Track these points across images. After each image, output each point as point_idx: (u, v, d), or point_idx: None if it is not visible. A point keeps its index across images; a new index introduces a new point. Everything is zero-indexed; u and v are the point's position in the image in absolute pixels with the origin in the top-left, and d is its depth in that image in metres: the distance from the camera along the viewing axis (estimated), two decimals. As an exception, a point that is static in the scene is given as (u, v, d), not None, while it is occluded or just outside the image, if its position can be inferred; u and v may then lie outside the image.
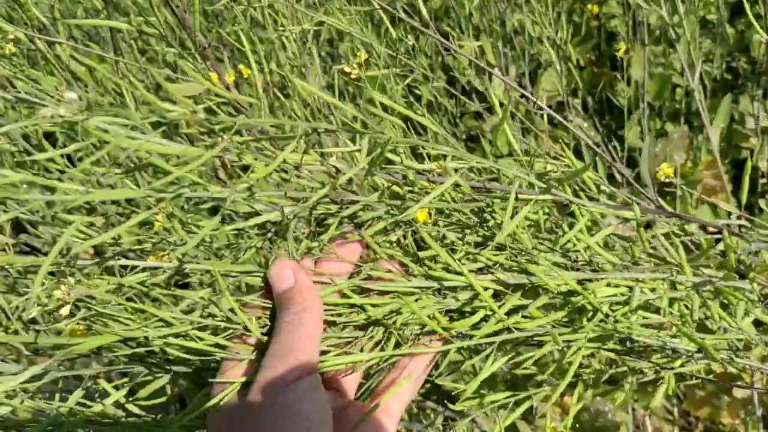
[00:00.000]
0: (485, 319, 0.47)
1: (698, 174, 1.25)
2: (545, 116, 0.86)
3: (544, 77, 1.24)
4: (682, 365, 0.54)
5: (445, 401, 0.98)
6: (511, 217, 0.48)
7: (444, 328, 0.45)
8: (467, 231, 0.51)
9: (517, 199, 0.52)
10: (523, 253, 0.50)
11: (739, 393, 1.00)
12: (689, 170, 1.26)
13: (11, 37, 0.55)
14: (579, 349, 0.46)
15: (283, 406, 0.40)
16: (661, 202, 0.64)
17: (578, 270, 0.51)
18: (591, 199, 0.57)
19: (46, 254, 1.19)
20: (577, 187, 0.58)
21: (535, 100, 0.65)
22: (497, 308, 0.46)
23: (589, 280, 0.51)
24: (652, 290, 0.52)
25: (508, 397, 0.55)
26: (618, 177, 1.22)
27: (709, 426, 1.42)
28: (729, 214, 0.63)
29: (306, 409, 0.40)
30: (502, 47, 1.18)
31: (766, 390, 0.77)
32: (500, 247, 0.50)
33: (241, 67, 0.81)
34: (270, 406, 0.40)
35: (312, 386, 0.41)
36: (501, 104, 1.24)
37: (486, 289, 0.47)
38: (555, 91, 1.31)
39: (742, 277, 0.54)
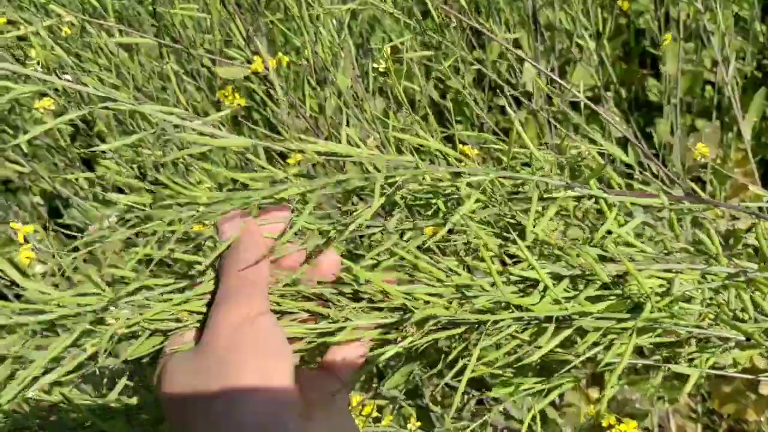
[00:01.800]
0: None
1: (728, 170, 1.25)
2: (582, 107, 0.87)
3: (576, 71, 1.25)
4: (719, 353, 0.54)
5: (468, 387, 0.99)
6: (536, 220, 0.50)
7: (515, 306, 0.46)
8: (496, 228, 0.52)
9: (543, 198, 0.53)
10: (554, 248, 0.50)
11: (765, 390, 1.00)
12: (719, 167, 1.26)
13: (66, 20, 0.57)
14: (628, 340, 0.47)
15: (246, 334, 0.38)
16: (696, 189, 0.64)
17: (615, 262, 0.52)
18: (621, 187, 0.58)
19: (79, 232, 1.20)
20: (610, 176, 0.59)
21: (574, 83, 0.66)
22: (553, 286, 0.46)
23: (626, 273, 0.51)
24: (687, 281, 0.52)
25: (538, 383, 0.55)
26: (647, 172, 1.22)
27: (733, 425, 1.42)
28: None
29: (266, 347, 0.38)
30: (533, 41, 1.19)
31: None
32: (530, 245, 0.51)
33: (279, 54, 0.82)
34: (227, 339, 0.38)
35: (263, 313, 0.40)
36: (530, 96, 1.25)
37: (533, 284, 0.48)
38: (585, 86, 1.31)
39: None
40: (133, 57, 0.79)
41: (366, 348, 0.46)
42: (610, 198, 0.54)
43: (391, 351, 0.45)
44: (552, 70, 1.24)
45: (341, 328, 0.45)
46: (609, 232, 0.52)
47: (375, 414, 0.61)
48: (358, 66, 1.13)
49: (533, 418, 0.56)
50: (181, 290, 0.44)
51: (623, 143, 1.21)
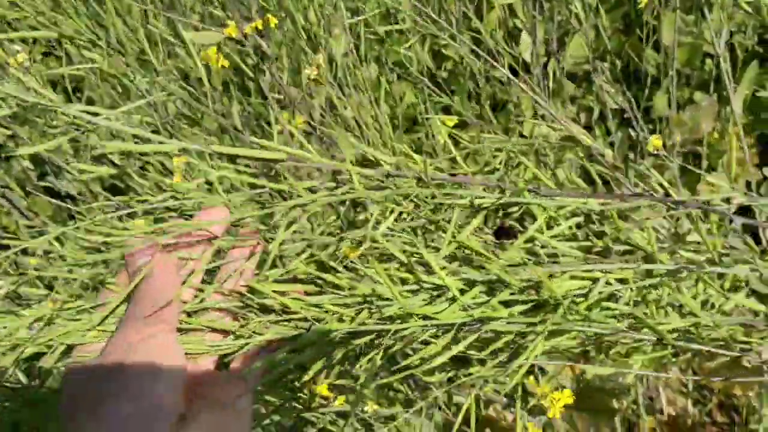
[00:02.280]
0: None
1: (724, 145, 1.23)
2: (579, 78, 0.86)
3: (572, 42, 1.23)
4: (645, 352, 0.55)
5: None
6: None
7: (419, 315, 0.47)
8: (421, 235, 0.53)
9: (473, 204, 0.54)
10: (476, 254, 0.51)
11: (748, 363, 0.99)
12: (716, 141, 1.24)
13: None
14: (534, 348, 0.47)
15: (136, 352, 0.42)
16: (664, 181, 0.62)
17: (541, 264, 0.52)
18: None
19: (66, 196, 1.20)
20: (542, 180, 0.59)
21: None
22: (459, 294, 0.47)
23: (551, 275, 0.51)
24: (623, 281, 0.52)
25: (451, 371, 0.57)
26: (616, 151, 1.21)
27: (723, 400, 1.42)
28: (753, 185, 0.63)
29: (160, 355, 0.42)
30: (531, 8, 1.17)
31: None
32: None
33: (268, 15, 0.81)
34: (122, 354, 0.42)
35: (166, 340, 0.43)
36: (527, 66, 1.23)
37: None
38: (583, 58, 1.29)
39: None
40: (119, 15, 0.77)
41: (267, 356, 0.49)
42: (540, 203, 0.54)
43: (294, 360, 0.48)
44: (549, 39, 1.22)
45: (247, 343, 0.47)
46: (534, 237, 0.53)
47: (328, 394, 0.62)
48: (351, 33, 1.11)
49: (514, 394, 0.57)
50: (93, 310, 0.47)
51: (620, 115, 1.20)
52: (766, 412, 1.10)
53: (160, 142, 0.46)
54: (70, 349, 0.45)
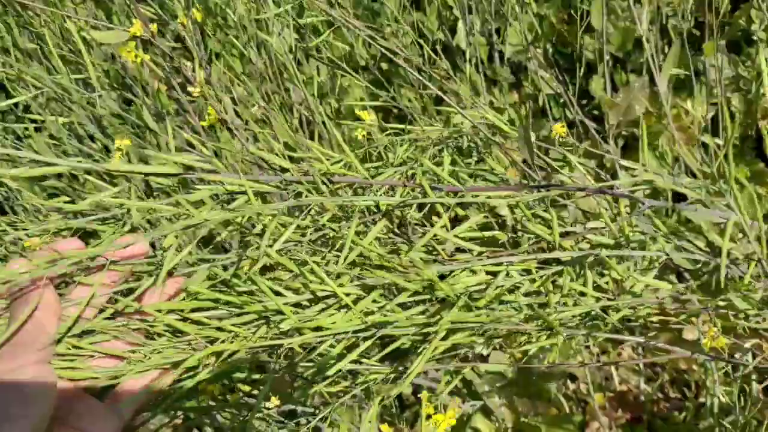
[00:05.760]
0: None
1: (662, 126, 1.26)
2: (518, 66, 0.88)
3: (510, 31, 1.25)
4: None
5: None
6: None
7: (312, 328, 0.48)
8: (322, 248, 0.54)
9: (377, 207, 0.55)
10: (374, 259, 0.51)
11: (689, 335, 1.02)
12: (654, 122, 1.27)
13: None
14: (429, 349, 0.48)
15: None
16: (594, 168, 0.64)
17: (441, 263, 0.53)
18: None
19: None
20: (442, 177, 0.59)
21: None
22: (351, 303, 0.48)
23: (450, 273, 0.53)
24: (528, 271, 0.53)
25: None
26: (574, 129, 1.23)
27: (675, 376, 1.45)
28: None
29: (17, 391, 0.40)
30: (467, 1, 1.19)
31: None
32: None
33: (194, 11, 0.81)
34: None
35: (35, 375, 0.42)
36: (464, 53, 1.25)
37: (348, 295, 0.50)
38: (522, 46, 1.31)
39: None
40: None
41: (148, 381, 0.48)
42: (442, 201, 0.55)
43: (189, 383, 0.48)
44: (488, 29, 1.24)
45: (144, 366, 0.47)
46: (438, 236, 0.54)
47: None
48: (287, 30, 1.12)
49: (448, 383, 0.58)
50: None
51: (556, 100, 1.22)
52: (710, 384, 1.13)
53: (48, 164, 0.46)
54: None
